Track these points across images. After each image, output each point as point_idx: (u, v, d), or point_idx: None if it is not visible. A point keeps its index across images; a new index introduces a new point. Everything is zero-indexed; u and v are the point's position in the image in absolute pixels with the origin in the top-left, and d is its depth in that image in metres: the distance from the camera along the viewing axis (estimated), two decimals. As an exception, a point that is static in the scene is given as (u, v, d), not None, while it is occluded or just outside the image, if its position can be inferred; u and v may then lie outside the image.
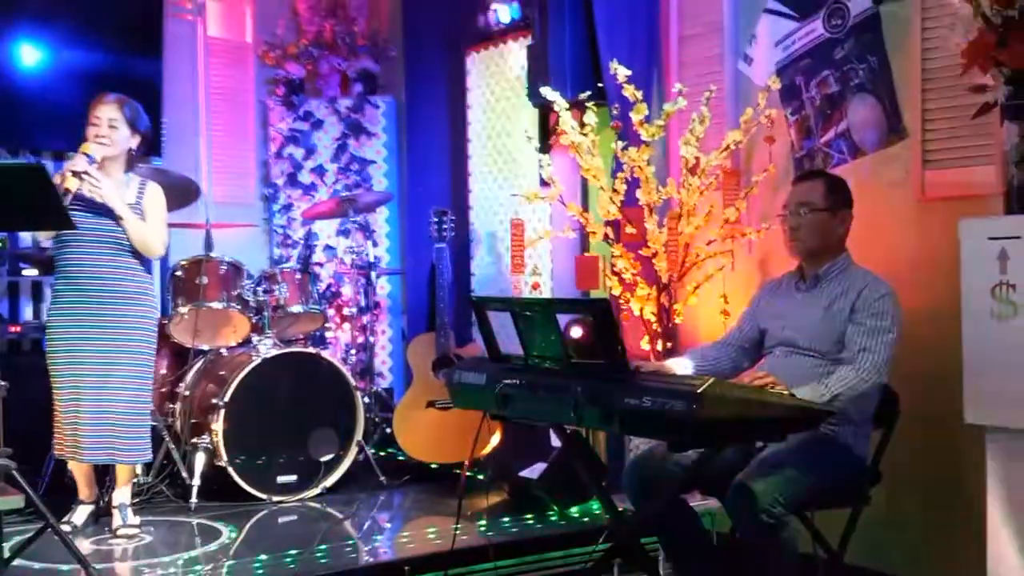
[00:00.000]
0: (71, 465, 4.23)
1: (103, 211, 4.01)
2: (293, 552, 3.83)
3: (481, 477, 5.02)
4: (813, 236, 3.36)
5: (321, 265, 6.05)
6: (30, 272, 5.15)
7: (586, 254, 4.85)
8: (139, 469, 4.62)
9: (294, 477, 4.75)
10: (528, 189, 4.92)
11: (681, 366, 3.43)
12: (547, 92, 4.50)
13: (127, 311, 4.09)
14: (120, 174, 4.14)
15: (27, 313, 5.47)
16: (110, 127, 4.05)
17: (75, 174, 3.85)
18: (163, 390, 4.97)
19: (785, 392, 2.92)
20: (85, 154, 3.94)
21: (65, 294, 4.07)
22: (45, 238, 4.17)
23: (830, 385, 3.05)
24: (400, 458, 5.24)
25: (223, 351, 5.04)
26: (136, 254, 4.11)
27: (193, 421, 4.79)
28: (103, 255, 4.05)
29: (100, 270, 4.05)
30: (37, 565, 3.71)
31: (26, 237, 5.39)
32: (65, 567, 3.65)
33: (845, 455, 3.23)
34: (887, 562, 3.75)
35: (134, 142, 4.14)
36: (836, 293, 3.31)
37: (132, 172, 4.19)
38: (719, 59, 4.50)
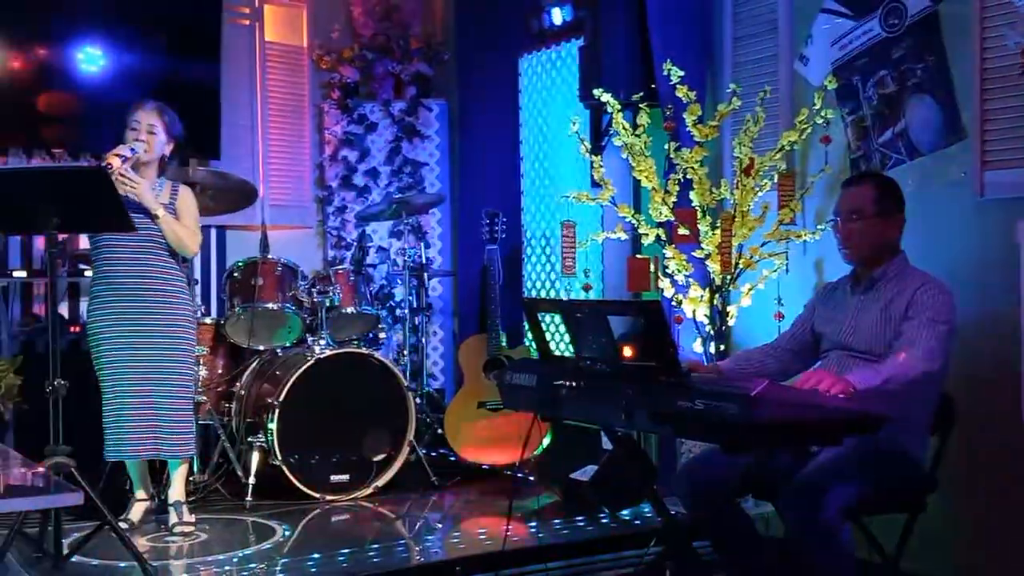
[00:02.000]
0: (128, 463, 4.29)
1: (140, 211, 4.08)
2: (346, 551, 3.86)
3: (532, 479, 5.02)
4: (866, 243, 3.32)
5: (374, 266, 6.09)
6: (90, 273, 5.23)
7: (638, 256, 4.83)
8: (195, 467, 4.69)
9: (347, 476, 4.78)
10: (580, 191, 4.92)
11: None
12: (600, 93, 4.50)
13: (168, 309, 4.15)
14: (154, 178, 4.22)
15: (87, 314, 5.56)
16: (149, 132, 4.13)
17: (118, 155, 3.96)
18: (219, 389, 5.03)
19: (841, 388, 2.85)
20: (131, 148, 4.04)
21: (104, 294, 4.14)
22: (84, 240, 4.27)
23: (881, 369, 2.99)
24: (451, 459, 5.26)
25: (278, 351, 5.09)
26: (172, 253, 4.17)
27: (248, 420, 4.84)
28: (141, 255, 4.11)
29: (139, 270, 4.11)
30: (94, 561, 3.77)
31: (86, 238, 5.49)
32: (122, 564, 3.70)
33: (902, 460, 3.18)
34: (943, 569, 3.69)
35: (169, 148, 4.22)
36: (892, 295, 3.26)
37: (166, 176, 4.28)
38: (774, 59, 4.46)
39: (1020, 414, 3.04)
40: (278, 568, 3.71)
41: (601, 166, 4.62)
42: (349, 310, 5.11)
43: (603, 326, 2.92)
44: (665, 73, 4.33)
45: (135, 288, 4.12)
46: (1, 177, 3.78)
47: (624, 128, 4.40)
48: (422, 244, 5.97)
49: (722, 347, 4.36)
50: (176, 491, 4.24)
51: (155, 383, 4.12)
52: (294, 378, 4.68)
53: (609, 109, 4.46)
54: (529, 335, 5.14)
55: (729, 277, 4.30)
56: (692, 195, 4.34)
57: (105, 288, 4.15)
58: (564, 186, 5.59)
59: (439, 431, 5.29)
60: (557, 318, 5.05)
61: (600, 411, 2.91)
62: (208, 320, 5.03)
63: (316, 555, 3.83)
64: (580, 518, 4.34)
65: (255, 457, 4.71)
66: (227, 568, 3.73)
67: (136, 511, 4.27)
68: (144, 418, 4.10)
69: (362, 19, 6.38)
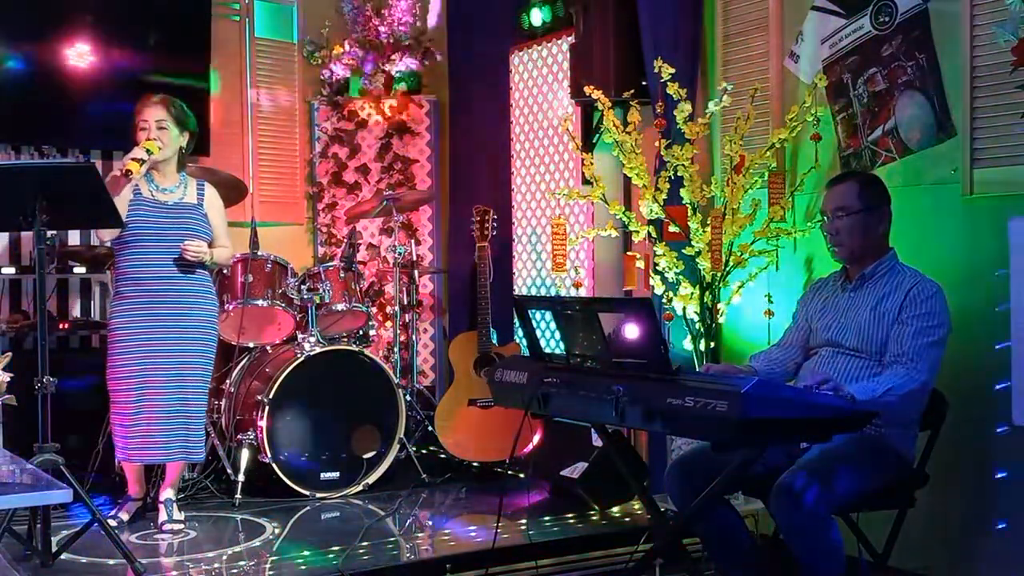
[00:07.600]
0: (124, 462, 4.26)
1: (167, 212, 4.05)
2: (336, 548, 3.86)
3: (522, 476, 5.02)
4: (854, 238, 3.32)
5: (364, 263, 6.07)
6: (79, 270, 5.22)
7: (628, 253, 4.83)
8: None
9: (337, 474, 4.77)
10: (570, 188, 4.91)
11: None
12: (590, 90, 4.49)
13: (196, 309, 4.13)
14: (175, 174, 4.16)
15: (76, 310, 5.55)
16: (159, 128, 4.05)
17: (136, 160, 3.89)
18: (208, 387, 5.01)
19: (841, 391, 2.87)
20: (146, 149, 3.96)
21: (131, 294, 4.07)
22: (108, 238, 4.17)
23: (882, 381, 3.01)
24: (442, 456, 5.25)
25: (268, 348, 5.08)
26: None
27: (238, 418, 4.83)
28: (169, 254, 4.06)
29: (167, 269, 4.07)
30: (84, 559, 3.76)
31: (75, 235, 5.47)
32: (111, 561, 3.69)
33: (891, 457, 3.19)
34: (932, 565, 3.70)
35: (184, 140, 4.16)
36: (883, 293, 3.26)
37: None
38: (765, 57, 4.46)
39: (1010, 411, 3.05)
40: (267, 566, 3.71)
41: (592, 163, 4.62)
42: (339, 307, 5.10)
43: (594, 323, 2.92)
44: (656, 70, 4.32)
45: (166, 288, 4.06)
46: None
47: (615, 125, 4.40)
48: (412, 241, 5.96)
49: (712, 344, 4.36)
50: (168, 489, 4.22)
51: (188, 385, 4.09)
52: (284, 375, 4.67)
53: (600, 106, 4.46)
54: (520, 332, 5.14)
55: (719, 275, 4.30)
56: (683, 192, 4.34)
57: (133, 288, 4.07)
58: (554, 183, 5.58)
59: (429, 428, 5.28)
60: (548, 315, 5.05)
61: (591, 408, 2.92)
62: (198, 317, 5.01)
63: (306, 552, 3.83)
64: (570, 515, 4.34)
65: (244, 454, 4.70)
66: (216, 566, 3.72)
67: (126, 509, 4.25)
68: (176, 421, 4.07)
69: (353, 15, 6.36)
